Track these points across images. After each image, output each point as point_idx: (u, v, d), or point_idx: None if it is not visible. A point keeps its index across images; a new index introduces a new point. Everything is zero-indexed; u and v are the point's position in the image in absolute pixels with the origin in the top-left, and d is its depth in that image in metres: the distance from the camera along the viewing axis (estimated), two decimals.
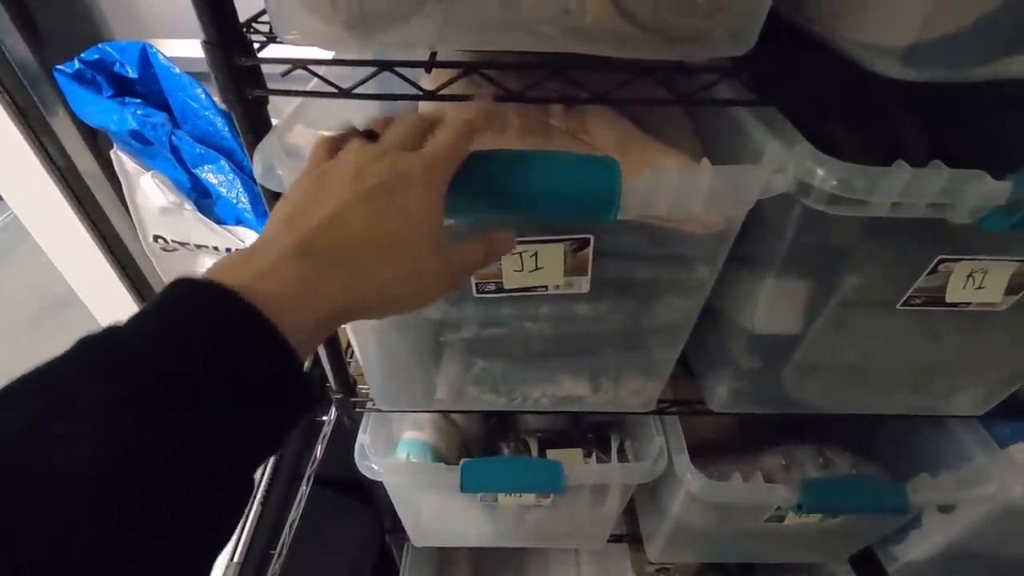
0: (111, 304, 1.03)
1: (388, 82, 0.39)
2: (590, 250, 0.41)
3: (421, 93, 0.38)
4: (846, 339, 0.51)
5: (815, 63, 0.39)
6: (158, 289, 1.13)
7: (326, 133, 0.33)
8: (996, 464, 0.60)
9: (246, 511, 0.69)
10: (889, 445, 0.73)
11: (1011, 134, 0.45)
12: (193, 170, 0.75)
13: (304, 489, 0.77)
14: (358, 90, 0.38)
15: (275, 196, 0.40)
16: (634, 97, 0.38)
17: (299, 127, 0.44)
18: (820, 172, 0.36)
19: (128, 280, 1.02)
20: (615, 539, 0.92)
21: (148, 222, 0.89)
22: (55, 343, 0.20)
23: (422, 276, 0.27)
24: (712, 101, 0.39)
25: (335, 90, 0.38)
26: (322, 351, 0.56)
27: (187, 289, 0.22)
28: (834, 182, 0.36)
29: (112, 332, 0.20)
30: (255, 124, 0.39)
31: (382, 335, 0.51)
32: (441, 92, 0.38)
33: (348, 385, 0.61)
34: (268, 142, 0.38)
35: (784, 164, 0.36)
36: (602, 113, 0.45)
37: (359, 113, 0.38)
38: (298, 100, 0.45)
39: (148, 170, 0.78)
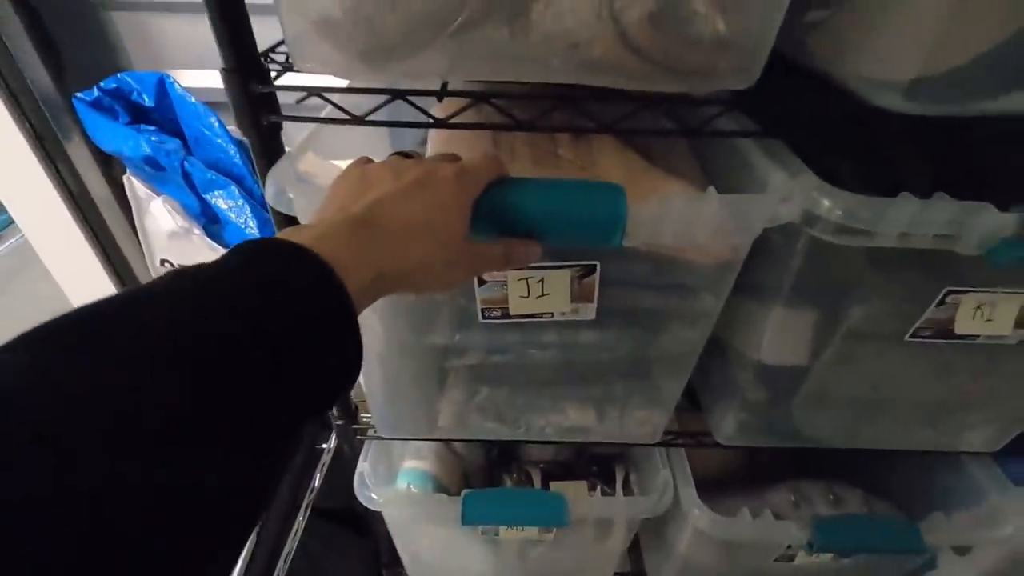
0: None
1: (399, 112, 0.40)
2: (596, 276, 0.41)
3: (432, 121, 0.39)
4: (854, 372, 0.50)
5: (818, 97, 0.40)
6: None
7: (336, 162, 0.34)
8: (1011, 504, 0.59)
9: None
10: (901, 483, 0.72)
11: (1012, 170, 0.45)
12: (204, 195, 0.76)
13: (301, 520, 0.75)
14: (371, 117, 0.39)
15: (284, 219, 0.41)
16: (640, 127, 0.39)
17: (310, 155, 0.45)
18: (826, 202, 0.36)
19: None
20: None
21: (156, 246, 0.90)
22: None
23: (448, 261, 0.30)
24: (717, 132, 0.40)
25: (348, 117, 0.39)
26: None
27: (255, 244, 0.24)
28: (840, 212, 0.36)
29: (198, 268, 0.22)
30: (269, 149, 0.40)
31: (386, 360, 0.50)
32: (452, 120, 0.39)
33: (349, 411, 0.61)
34: (280, 166, 0.39)
35: (790, 194, 0.37)
36: (609, 144, 0.46)
37: (369, 143, 0.39)
38: (310, 128, 0.46)
39: (159, 195, 0.80)
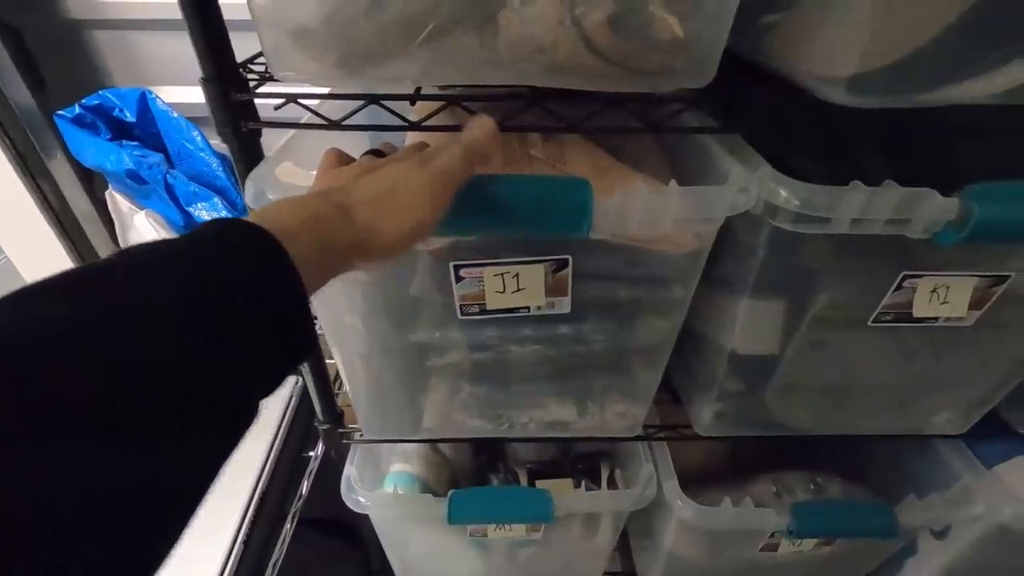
0: None
1: (375, 116, 0.41)
2: (569, 270, 0.43)
3: (407, 124, 0.41)
4: (823, 358, 0.52)
5: (773, 94, 0.42)
6: None
7: (314, 173, 0.35)
8: (982, 485, 0.61)
9: (228, 551, 0.67)
10: (879, 470, 0.73)
11: (960, 158, 0.48)
12: (187, 207, 0.77)
13: (288, 528, 0.75)
14: (347, 122, 0.40)
15: None
16: (607, 126, 0.41)
17: (288, 165, 0.47)
18: (783, 192, 0.38)
19: None
20: None
21: None
22: None
23: (412, 189, 0.30)
24: (678, 129, 0.42)
25: (325, 122, 0.40)
26: (309, 381, 0.57)
27: (198, 225, 0.25)
28: (797, 201, 0.38)
29: (148, 243, 0.23)
30: (248, 156, 0.42)
31: (369, 360, 0.51)
32: (425, 123, 0.41)
33: (335, 416, 0.61)
34: (260, 170, 0.40)
35: (748, 185, 0.39)
36: (579, 143, 0.48)
37: (347, 149, 0.40)
38: (287, 136, 0.48)
39: (142, 209, 0.80)
